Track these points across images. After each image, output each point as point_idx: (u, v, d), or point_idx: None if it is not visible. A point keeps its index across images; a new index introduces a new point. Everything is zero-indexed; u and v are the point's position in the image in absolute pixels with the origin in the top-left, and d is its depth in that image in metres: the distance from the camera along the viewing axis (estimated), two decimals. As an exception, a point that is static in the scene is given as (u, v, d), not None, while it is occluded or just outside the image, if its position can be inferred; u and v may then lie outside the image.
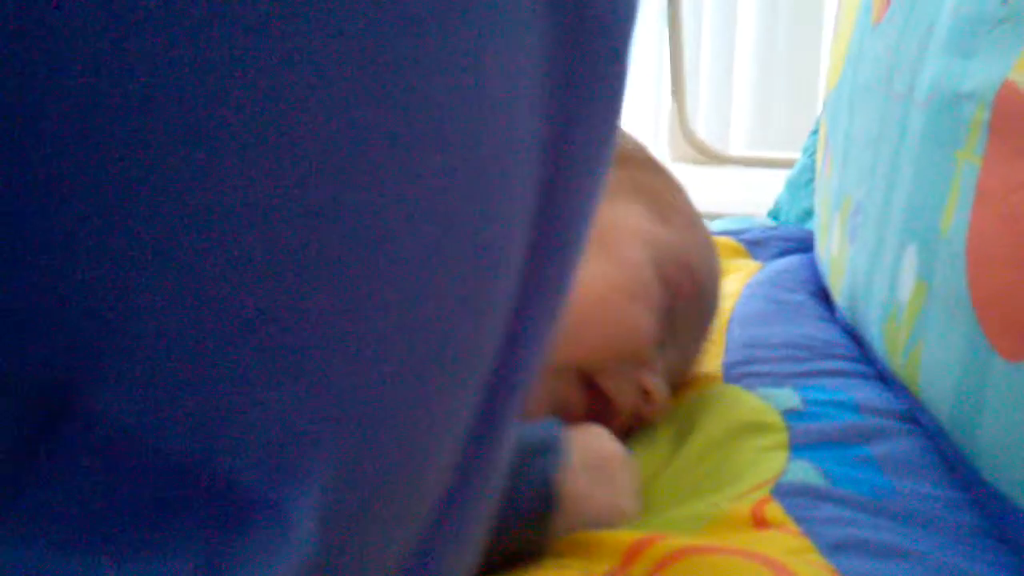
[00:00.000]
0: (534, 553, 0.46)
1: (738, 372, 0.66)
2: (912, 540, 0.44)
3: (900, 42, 0.72)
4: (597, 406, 0.57)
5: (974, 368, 0.49)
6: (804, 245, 1.11)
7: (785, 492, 0.49)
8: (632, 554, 0.44)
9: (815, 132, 1.38)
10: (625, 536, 0.45)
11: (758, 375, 0.65)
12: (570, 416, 0.54)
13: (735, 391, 0.62)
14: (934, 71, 0.62)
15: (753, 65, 2.88)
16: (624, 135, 0.69)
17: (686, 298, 0.61)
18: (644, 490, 0.52)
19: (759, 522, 0.47)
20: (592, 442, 0.52)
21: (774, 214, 1.42)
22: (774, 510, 0.48)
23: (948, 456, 0.53)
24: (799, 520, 0.46)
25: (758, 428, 0.56)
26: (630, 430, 0.59)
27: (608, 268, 0.58)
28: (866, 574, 0.40)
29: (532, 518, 0.45)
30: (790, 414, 0.57)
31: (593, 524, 0.47)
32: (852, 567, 0.41)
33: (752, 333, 0.72)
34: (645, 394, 0.58)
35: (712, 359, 0.69)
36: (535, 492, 0.46)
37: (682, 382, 0.64)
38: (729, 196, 2.14)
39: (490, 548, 0.44)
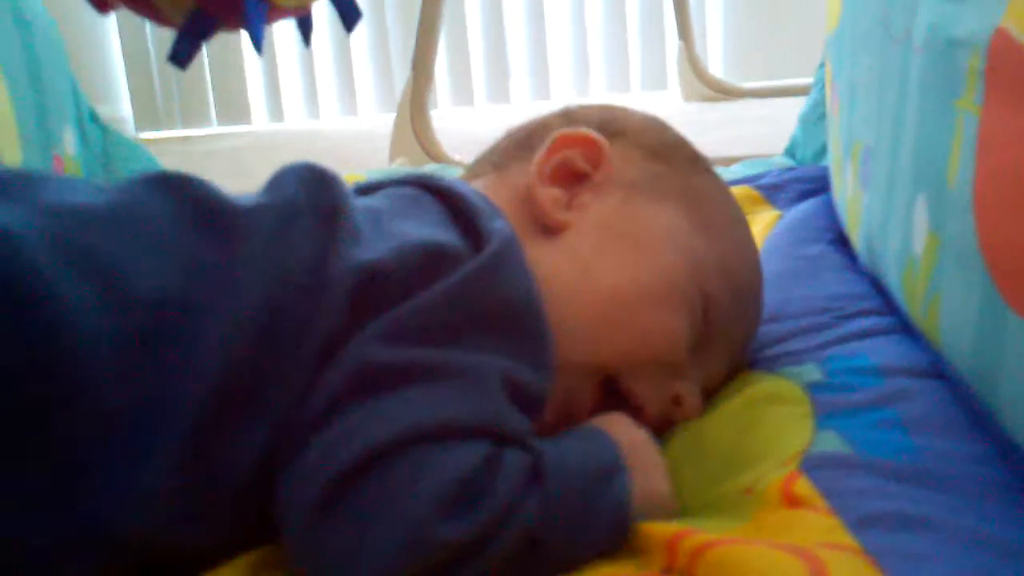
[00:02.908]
0: None
1: (763, 355, 0.65)
2: (940, 507, 0.44)
3: (894, -18, 0.71)
4: (623, 410, 0.55)
5: (990, 324, 0.49)
6: (822, 185, 1.09)
7: (813, 465, 0.50)
8: (672, 548, 0.44)
9: (823, 65, 1.36)
10: (664, 530, 0.46)
11: (780, 356, 0.64)
12: (582, 417, 0.54)
13: (754, 374, 0.62)
14: (929, 15, 0.61)
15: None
16: (667, 125, 0.66)
17: (724, 308, 0.59)
18: (672, 471, 0.53)
19: (790, 500, 0.47)
20: (618, 431, 0.52)
21: (790, 152, 1.41)
22: (803, 486, 0.48)
23: (974, 409, 0.53)
24: (828, 494, 0.47)
25: (778, 399, 0.57)
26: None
27: (640, 271, 0.57)
28: (893, 550, 0.40)
29: (609, 543, 0.46)
30: (812, 387, 0.57)
31: (641, 512, 0.48)
32: (879, 544, 0.41)
33: (773, 302, 0.71)
34: (676, 401, 0.57)
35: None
36: (612, 520, 0.46)
37: (718, 389, 0.62)
38: (744, 133, 2.12)
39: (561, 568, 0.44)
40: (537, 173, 0.60)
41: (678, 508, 0.50)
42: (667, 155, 0.63)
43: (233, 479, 0.44)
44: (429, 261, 0.50)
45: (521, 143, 0.64)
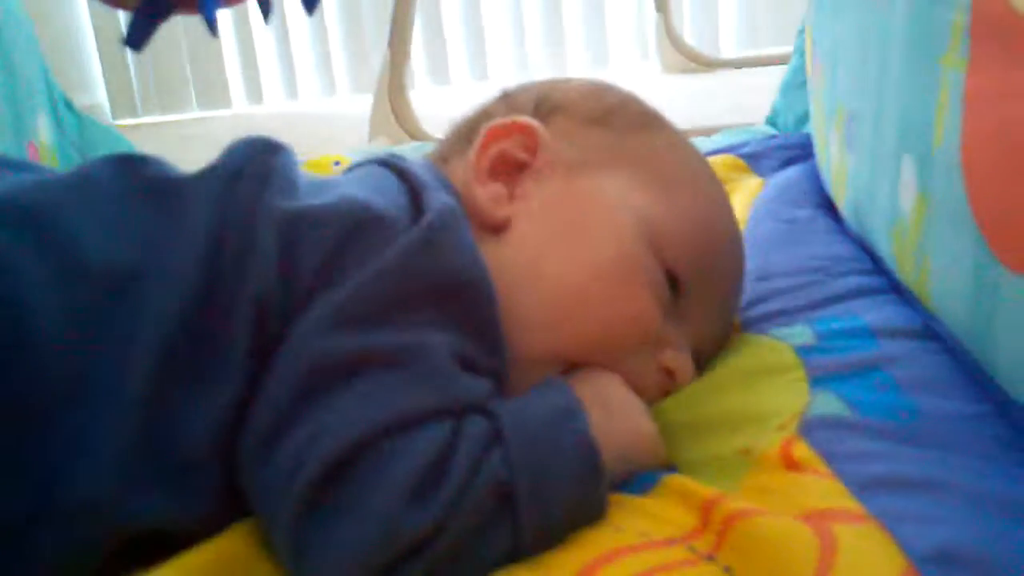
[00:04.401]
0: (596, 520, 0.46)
1: (752, 314, 0.65)
2: (942, 467, 0.44)
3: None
4: None
5: (983, 282, 0.49)
6: (805, 151, 1.09)
7: (811, 428, 0.49)
8: (706, 513, 0.45)
9: (803, 30, 1.36)
10: (697, 494, 0.46)
11: (771, 315, 0.64)
12: None
13: (744, 337, 0.62)
14: (911, -27, 0.60)
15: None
16: (610, 88, 0.65)
17: (693, 264, 0.57)
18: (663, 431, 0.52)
19: (789, 464, 0.47)
20: (587, 380, 0.52)
21: (772, 120, 1.40)
22: (802, 449, 0.48)
23: (969, 368, 0.53)
24: (827, 458, 0.47)
25: (771, 361, 0.56)
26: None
27: (590, 254, 0.55)
28: (899, 512, 0.40)
29: (584, 483, 0.46)
30: (804, 350, 0.57)
31: (625, 455, 0.49)
32: (884, 506, 0.41)
33: (763, 263, 0.71)
34: (668, 374, 0.56)
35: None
36: (579, 454, 0.46)
37: (714, 351, 0.61)
38: (725, 103, 2.12)
39: (551, 529, 0.45)
40: (474, 172, 0.58)
41: (664, 450, 0.51)
42: (609, 120, 0.61)
43: (188, 449, 0.46)
44: (361, 221, 0.50)
45: (462, 135, 0.63)
